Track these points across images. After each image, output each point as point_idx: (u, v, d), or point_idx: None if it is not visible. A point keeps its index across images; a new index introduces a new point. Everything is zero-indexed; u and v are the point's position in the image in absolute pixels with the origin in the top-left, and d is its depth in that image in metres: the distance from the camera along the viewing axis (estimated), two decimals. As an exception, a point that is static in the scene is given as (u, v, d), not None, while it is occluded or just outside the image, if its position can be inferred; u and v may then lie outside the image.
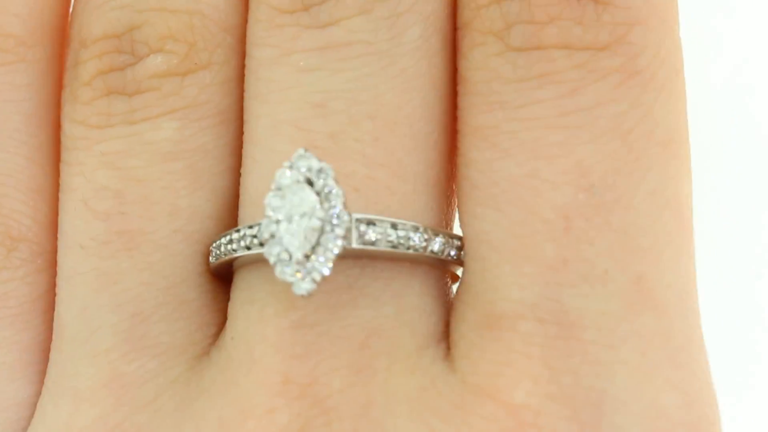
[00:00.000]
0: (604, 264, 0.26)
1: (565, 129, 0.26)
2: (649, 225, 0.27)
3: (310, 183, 0.26)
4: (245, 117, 0.29)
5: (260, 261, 0.28)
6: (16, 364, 0.30)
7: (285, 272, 0.26)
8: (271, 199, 0.26)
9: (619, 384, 0.26)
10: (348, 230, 0.26)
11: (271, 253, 0.26)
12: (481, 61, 0.27)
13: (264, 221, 0.26)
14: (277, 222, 0.26)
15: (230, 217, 0.30)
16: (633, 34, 0.27)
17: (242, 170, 0.29)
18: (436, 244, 0.27)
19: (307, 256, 0.26)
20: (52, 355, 0.29)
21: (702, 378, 0.27)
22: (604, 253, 0.26)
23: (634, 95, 0.27)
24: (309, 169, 0.26)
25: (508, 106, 0.27)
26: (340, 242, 0.26)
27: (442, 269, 0.29)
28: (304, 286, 0.25)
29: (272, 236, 0.26)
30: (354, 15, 0.27)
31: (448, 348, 0.28)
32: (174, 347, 0.28)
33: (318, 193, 0.26)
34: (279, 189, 0.26)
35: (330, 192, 0.26)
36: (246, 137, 0.29)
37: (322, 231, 0.26)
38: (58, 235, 0.30)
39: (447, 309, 0.29)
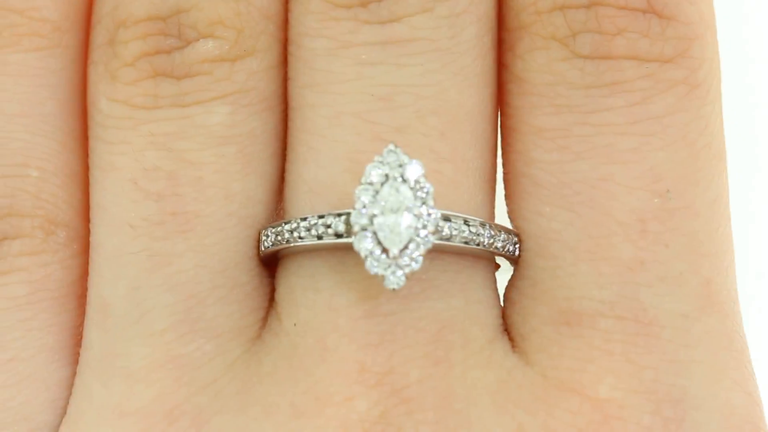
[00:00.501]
0: (679, 266, 0.28)
1: (638, 136, 0.28)
2: (713, 232, 0.28)
3: (402, 177, 0.26)
4: (294, 105, 0.29)
5: (323, 250, 0.28)
6: (55, 346, 0.30)
7: (375, 266, 0.26)
8: (361, 193, 0.26)
9: (697, 382, 0.27)
10: (436, 228, 0.26)
11: (362, 247, 0.26)
12: (544, 64, 0.28)
13: (353, 214, 0.26)
14: (372, 216, 0.26)
15: (276, 202, 0.30)
16: (693, 49, 0.28)
17: (292, 157, 0.29)
18: (500, 241, 0.28)
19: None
20: (94, 334, 0.29)
21: (754, 379, 0.29)
22: (678, 256, 0.28)
23: (696, 107, 0.28)
24: (400, 165, 0.26)
25: (578, 110, 0.28)
26: (431, 238, 0.26)
27: (494, 262, 0.30)
28: (395, 281, 0.26)
29: (363, 230, 0.26)
30: (416, 12, 0.28)
31: (512, 340, 0.29)
32: (229, 330, 0.28)
33: (411, 188, 0.26)
34: (370, 183, 0.26)
35: (423, 188, 0.26)
36: (297, 125, 0.29)
37: (415, 228, 0.26)
38: (98, 214, 0.29)
39: (499, 300, 0.29)
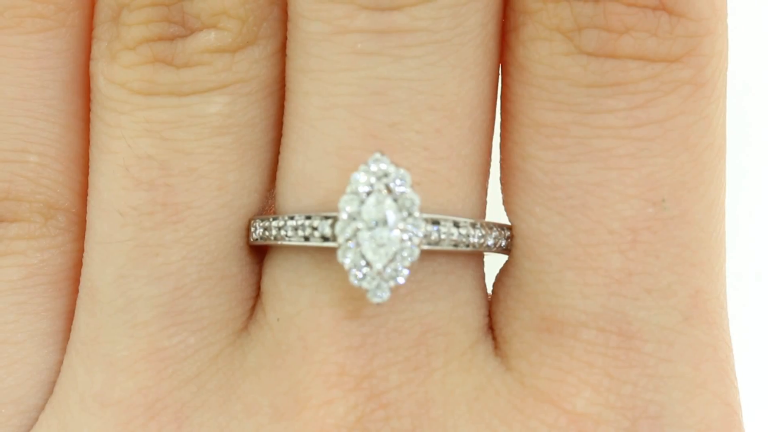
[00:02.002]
0: (668, 278, 0.27)
1: (638, 141, 0.27)
2: (706, 239, 0.28)
3: (387, 188, 0.26)
4: (290, 87, 0.28)
5: (309, 248, 0.28)
6: (48, 331, 0.30)
7: (360, 279, 0.26)
8: (346, 204, 0.26)
9: (675, 398, 0.27)
10: (421, 241, 0.26)
11: (347, 260, 0.26)
12: (546, 56, 0.27)
13: (338, 225, 0.26)
14: (357, 230, 0.26)
15: (271, 189, 0.29)
16: (703, 46, 0.27)
17: (284, 143, 0.29)
18: (492, 239, 0.28)
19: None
20: (82, 316, 0.29)
21: (735, 386, 0.28)
22: (667, 267, 0.27)
23: (701, 107, 0.27)
24: (386, 174, 0.26)
25: (578, 109, 0.27)
26: (417, 251, 0.26)
27: (483, 256, 0.29)
28: (380, 294, 0.26)
29: (347, 241, 0.26)
30: (418, 2, 0.27)
31: (495, 340, 0.28)
32: (215, 322, 0.28)
33: (396, 200, 0.26)
34: (354, 193, 0.26)
35: (408, 200, 0.26)
36: (291, 110, 0.28)
37: (400, 240, 0.26)
38: (92, 195, 0.29)
39: (487, 298, 0.29)
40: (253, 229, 0.28)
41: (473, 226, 0.27)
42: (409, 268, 0.26)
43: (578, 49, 0.27)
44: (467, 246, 0.27)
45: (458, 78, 0.27)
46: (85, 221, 0.30)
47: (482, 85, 0.28)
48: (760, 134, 0.41)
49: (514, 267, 0.28)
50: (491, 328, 0.29)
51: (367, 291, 0.26)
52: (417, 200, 0.26)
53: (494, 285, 0.29)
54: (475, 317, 0.28)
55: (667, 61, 0.27)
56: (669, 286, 0.27)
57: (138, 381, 0.28)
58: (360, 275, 0.26)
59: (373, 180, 0.26)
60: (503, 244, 0.28)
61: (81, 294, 0.29)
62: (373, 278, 0.26)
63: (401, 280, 0.26)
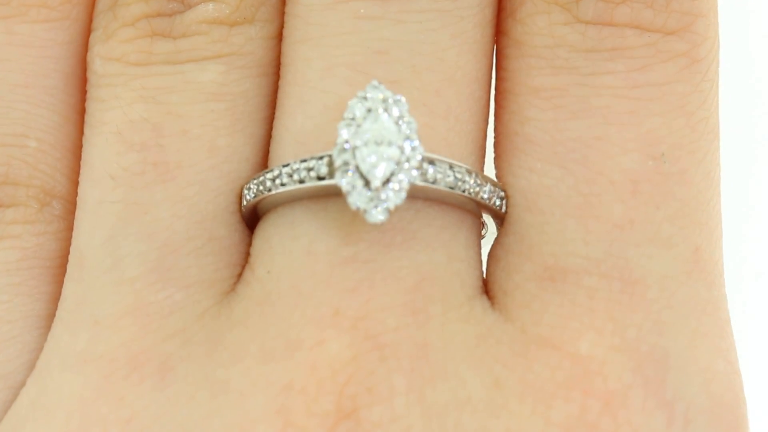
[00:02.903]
0: (669, 230, 0.27)
1: (636, 100, 0.28)
2: (705, 202, 0.28)
3: (385, 111, 0.26)
4: (287, 61, 0.29)
5: (304, 197, 0.28)
6: (41, 314, 0.29)
7: (358, 200, 0.25)
8: (342, 128, 0.26)
9: (680, 344, 0.27)
10: (420, 162, 0.26)
11: (344, 181, 0.26)
12: (544, 27, 0.28)
13: (335, 149, 0.26)
14: (355, 148, 0.25)
15: (265, 165, 0.29)
16: (697, 25, 0.28)
17: (279, 113, 0.29)
18: (486, 192, 0.28)
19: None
20: (68, 285, 0.29)
21: (735, 350, 0.28)
22: (668, 219, 0.27)
23: (696, 81, 0.28)
24: (384, 100, 0.26)
25: (577, 72, 0.28)
26: (415, 173, 0.26)
27: (479, 221, 0.29)
28: (377, 215, 0.25)
29: (345, 164, 0.25)
30: None
31: (493, 298, 0.28)
32: (202, 281, 0.28)
33: (394, 122, 0.26)
34: (352, 118, 0.26)
35: (407, 122, 0.26)
36: (288, 80, 0.29)
37: (398, 160, 0.25)
38: (84, 171, 0.29)
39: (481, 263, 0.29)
40: (246, 191, 0.28)
41: (469, 172, 0.27)
42: (406, 190, 0.26)
43: (576, 19, 0.28)
44: (462, 191, 0.27)
45: (458, 48, 0.28)
46: None
47: (479, 63, 0.29)
48: (759, 134, 0.42)
49: (515, 224, 0.28)
50: (487, 290, 0.28)
51: (364, 212, 0.25)
52: (414, 123, 0.26)
53: (492, 249, 0.29)
54: (471, 275, 0.28)
55: (662, 32, 0.28)
56: (670, 238, 0.27)
57: (122, 336, 0.27)
58: (358, 197, 0.25)
59: (370, 104, 0.26)
60: (497, 202, 0.28)
61: (68, 268, 0.29)
62: (371, 199, 0.25)
63: (399, 201, 0.26)
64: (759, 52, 0.42)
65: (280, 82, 0.29)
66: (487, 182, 0.28)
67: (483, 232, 0.30)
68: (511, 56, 0.29)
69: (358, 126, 0.26)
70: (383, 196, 0.25)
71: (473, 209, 0.28)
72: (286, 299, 0.27)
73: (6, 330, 0.29)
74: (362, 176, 0.26)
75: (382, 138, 0.25)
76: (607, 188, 0.27)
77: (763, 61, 0.42)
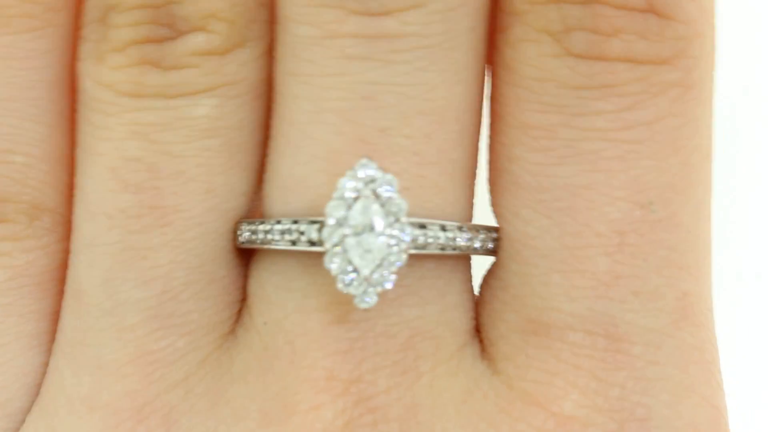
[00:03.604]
0: (655, 281, 0.27)
1: (626, 143, 0.27)
2: (693, 241, 0.28)
3: (374, 193, 0.26)
4: (279, 90, 0.28)
5: (296, 252, 0.28)
6: (33, 332, 0.29)
7: (347, 285, 0.26)
8: (333, 210, 0.26)
9: (663, 401, 0.27)
10: (408, 246, 0.26)
11: (334, 267, 0.26)
12: (533, 58, 0.27)
13: (326, 230, 0.26)
14: (344, 237, 0.26)
15: (258, 192, 0.29)
16: (692, 48, 0.27)
17: (272, 147, 0.29)
18: (479, 241, 0.28)
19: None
20: (69, 319, 0.29)
21: (722, 388, 0.28)
22: (655, 270, 0.27)
23: (689, 109, 0.27)
24: (373, 180, 0.26)
25: (566, 111, 0.27)
26: (404, 257, 0.26)
27: (470, 259, 0.29)
28: (367, 300, 0.26)
29: (334, 246, 0.26)
30: (408, 8, 0.27)
31: (482, 343, 0.28)
32: (203, 326, 0.28)
33: (383, 206, 0.26)
34: (341, 198, 0.26)
35: (395, 205, 0.26)
36: (280, 114, 0.28)
37: (387, 245, 0.26)
38: (78, 197, 0.29)
39: (474, 301, 0.29)
40: (239, 232, 0.28)
41: (460, 229, 0.27)
42: (396, 273, 0.26)
43: (566, 51, 0.27)
44: (454, 249, 0.27)
45: (448, 82, 0.27)
46: (70, 222, 0.30)
47: (471, 89, 0.28)
48: (757, 134, 0.41)
49: (501, 269, 0.28)
50: (478, 330, 0.29)
51: (354, 297, 0.26)
52: (404, 205, 0.26)
53: (481, 287, 0.29)
54: (463, 320, 0.28)
55: (655, 63, 0.27)
56: (656, 289, 0.27)
57: (126, 384, 0.28)
58: (347, 281, 0.26)
59: (360, 185, 0.26)
60: (490, 246, 0.28)
61: (67, 296, 0.29)
62: (360, 284, 0.26)
63: (389, 285, 0.26)
64: (759, 52, 0.41)
65: (272, 113, 0.29)
66: (479, 231, 0.28)
67: None
68: (503, 80, 0.28)
69: (348, 208, 0.26)
70: (373, 281, 0.26)
71: (467, 256, 0.29)
72: (282, 357, 0.27)
73: (0, 354, 0.29)
74: (350, 262, 0.26)
75: (371, 225, 0.26)
76: (592, 241, 0.27)
77: (763, 61, 0.41)
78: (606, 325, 0.27)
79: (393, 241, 0.26)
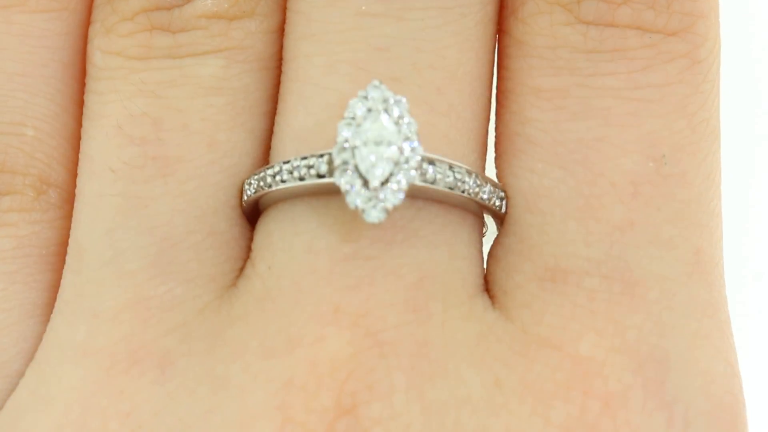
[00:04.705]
0: (669, 231, 0.27)
1: (637, 101, 0.28)
2: (706, 204, 0.28)
3: (385, 111, 0.26)
4: (289, 57, 0.29)
5: (305, 194, 0.28)
6: (37, 302, 0.29)
7: (356, 199, 0.25)
8: (343, 128, 0.26)
9: (681, 346, 0.27)
10: (419, 163, 0.26)
11: (343, 180, 0.26)
12: (545, 28, 0.28)
13: (335, 148, 0.26)
14: (354, 148, 0.25)
15: (265, 158, 0.30)
16: (698, 26, 0.28)
17: (281, 108, 0.29)
18: (486, 192, 0.28)
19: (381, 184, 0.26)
20: (67, 277, 0.29)
21: (734, 350, 0.28)
22: (669, 220, 0.27)
23: (697, 82, 0.28)
24: (384, 100, 0.26)
25: (578, 73, 0.28)
26: (413, 173, 0.26)
27: (481, 220, 0.29)
28: (375, 215, 0.25)
29: (344, 163, 0.26)
30: None
31: (493, 297, 0.28)
32: (202, 275, 0.28)
33: (394, 123, 0.26)
34: (353, 118, 0.26)
35: (407, 122, 0.26)
36: (290, 76, 0.29)
37: (397, 161, 0.26)
38: (83, 163, 0.29)
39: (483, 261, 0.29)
40: (247, 186, 0.28)
41: (468, 173, 0.27)
42: (405, 190, 0.26)
43: (578, 19, 0.28)
44: (462, 192, 0.27)
45: (459, 45, 0.28)
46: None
47: (481, 60, 0.29)
48: (759, 134, 0.42)
49: (515, 224, 0.28)
50: (487, 289, 0.29)
51: (363, 211, 0.26)
52: (415, 124, 0.26)
53: (491, 249, 0.29)
54: (472, 273, 0.28)
55: (664, 33, 0.28)
56: (671, 239, 0.27)
57: (122, 329, 0.27)
58: (357, 196, 0.26)
59: (370, 104, 0.26)
60: (497, 203, 0.28)
61: (67, 259, 0.29)
62: (370, 198, 0.25)
63: (398, 201, 0.26)
64: (759, 52, 0.42)
65: (281, 78, 0.29)
66: (487, 183, 0.28)
67: (483, 230, 0.30)
68: (513, 56, 0.29)
69: (358, 126, 0.26)
70: (381, 195, 0.26)
71: (474, 209, 0.28)
72: (286, 296, 0.27)
73: (1, 318, 0.29)
74: (361, 176, 0.26)
75: (382, 138, 0.26)
76: (607, 190, 0.27)
77: (763, 61, 0.42)
78: (622, 270, 0.27)
79: (404, 156, 0.26)
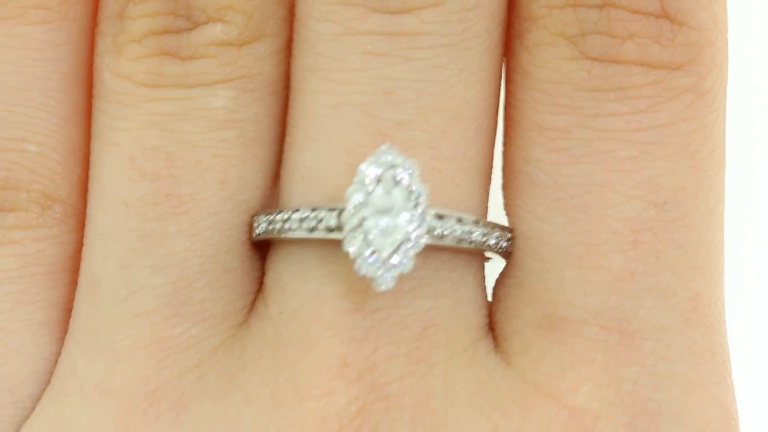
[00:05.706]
0: (668, 279, 0.28)
1: (640, 144, 0.27)
2: (706, 244, 0.28)
3: (394, 179, 0.26)
4: (296, 86, 0.29)
5: (314, 242, 0.28)
6: (44, 320, 0.30)
7: (365, 266, 0.26)
8: (353, 193, 0.26)
9: (674, 397, 0.27)
10: (429, 227, 0.26)
11: (352, 248, 0.26)
12: (550, 61, 0.28)
13: (345, 214, 0.26)
14: (363, 219, 0.26)
15: (273, 186, 0.30)
16: (704, 56, 0.28)
17: (290, 141, 0.29)
18: (493, 239, 0.28)
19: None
20: (83, 308, 0.29)
21: (733, 391, 0.29)
22: (668, 268, 0.28)
23: (702, 116, 0.28)
24: (393, 166, 0.26)
25: (581, 113, 0.28)
26: (422, 241, 0.26)
27: (486, 258, 0.30)
28: (386, 283, 0.26)
29: (353, 230, 0.26)
30: (427, 6, 0.28)
31: (495, 340, 0.29)
32: (216, 315, 0.28)
33: (403, 190, 0.26)
34: (362, 183, 0.26)
35: (416, 190, 0.26)
36: (297, 109, 0.29)
37: (407, 232, 0.26)
38: (93, 188, 0.29)
39: (488, 300, 0.30)
40: (256, 224, 0.29)
41: (476, 223, 0.28)
42: (414, 258, 0.26)
43: (582, 54, 0.28)
44: (470, 243, 0.28)
45: (465, 81, 0.28)
46: (81, 213, 0.30)
47: (487, 91, 0.29)
48: (759, 134, 0.42)
49: (516, 267, 0.29)
50: (491, 328, 0.29)
51: (372, 279, 0.26)
52: (424, 191, 0.26)
53: (494, 287, 0.30)
54: (477, 316, 0.29)
55: (669, 68, 0.27)
56: (669, 287, 0.28)
57: (139, 370, 0.28)
58: (366, 262, 0.26)
59: (380, 171, 0.26)
60: (504, 245, 0.29)
61: (81, 285, 0.29)
62: (379, 267, 0.26)
63: (406, 269, 0.26)
64: (759, 52, 0.41)
65: (290, 109, 0.29)
66: (494, 229, 0.28)
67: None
68: (519, 84, 0.29)
69: (368, 193, 0.26)
70: (390, 264, 0.26)
71: (482, 252, 0.29)
72: (295, 344, 0.28)
73: (10, 341, 0.29)
74: (369, 245, 0.26)
75: (391, 207, 0.26)
76: (607, 238, 0.28)
77: (763, 61, 0.42)
78: (619, 320, 0.27)
79: (413, 225, 0.26)
